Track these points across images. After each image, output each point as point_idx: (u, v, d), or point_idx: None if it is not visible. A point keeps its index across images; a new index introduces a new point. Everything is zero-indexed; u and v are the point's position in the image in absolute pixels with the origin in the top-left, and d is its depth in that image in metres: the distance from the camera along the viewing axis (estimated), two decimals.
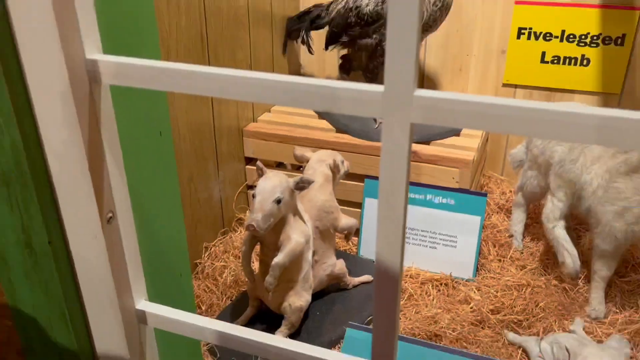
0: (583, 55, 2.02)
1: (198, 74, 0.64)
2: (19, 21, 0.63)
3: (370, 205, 1.91)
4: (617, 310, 1.66)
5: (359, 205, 1.94)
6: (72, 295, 0.86)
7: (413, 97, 0.58)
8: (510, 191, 2.21)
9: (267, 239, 1.48)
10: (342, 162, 1.72)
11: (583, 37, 1.99)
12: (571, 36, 2.01)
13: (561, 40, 2.02)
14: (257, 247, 1.55)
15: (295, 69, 2.46)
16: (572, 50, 2.02)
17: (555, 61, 2.06)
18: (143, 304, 0.90)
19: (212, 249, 1.95)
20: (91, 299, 0.83)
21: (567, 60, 2.04)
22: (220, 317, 1.67)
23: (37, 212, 0.77)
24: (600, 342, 1.52)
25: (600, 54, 1.99)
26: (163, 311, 0.85)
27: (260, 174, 1.45)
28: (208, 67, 0.64)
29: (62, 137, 0.69)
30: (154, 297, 0.96)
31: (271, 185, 1.38)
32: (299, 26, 2.12)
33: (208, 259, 1.91)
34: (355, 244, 1.98)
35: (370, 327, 1.58)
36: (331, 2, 2.00)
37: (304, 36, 2.10)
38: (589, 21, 1.97)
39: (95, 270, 0.80)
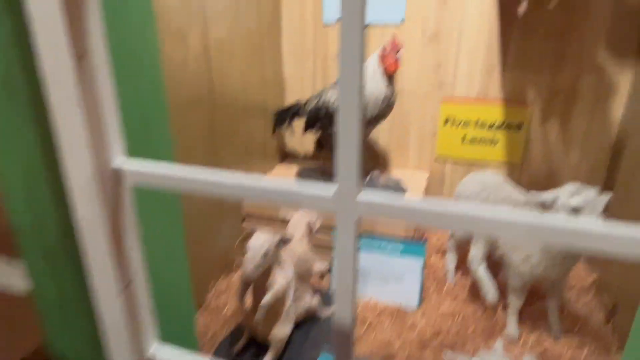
0: (493, 137, 2.09)
1: (199, 181, 0.65)
2: (63, 139, 0.63)
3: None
4: (527, 333, 1.65)
5: (329, 248, 1.92)
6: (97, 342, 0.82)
7: (356, 201, 0.59)
8: (445, 237, 2.22)
9: (257, 282, 1.45)
10: (316, 220, 1.72)
11: (492, 124, 2.07)
12: (483, 123, 2.08)
13: (475, 127, 2.10)
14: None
15: (282, 146, 2.49)
16: (484, 133, 2.09)
17: (473, 142, 2.12)
18: (155, 347, 0.86)
19: (217, 287, 1.90)
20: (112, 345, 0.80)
21: (482, 140, 2.11)
22: (221, 345, 1.61)
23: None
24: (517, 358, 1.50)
25: (505, 135, 2.07)
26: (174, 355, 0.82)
27: (252, 234, 1.44)
28: (207, 172, 0.65)
29: (90, 221, 0.69)
30: (161, 336, 0.93)
31: (260, 243, 1.37)
32: (284, 117, 2.16)
33: (214, 297, 1.86)
34: (329, 280, 1.95)
35: None
36: (307, 100, 2.05)
37: (288, 124, 2.14)
38: (495, 113, 2.05)
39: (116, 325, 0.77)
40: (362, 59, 0.54)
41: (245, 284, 1.45)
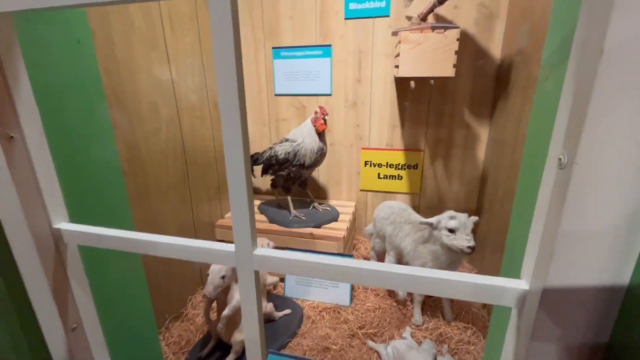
0: (399, 174, 2.10)
1: (140, 242, 0.56)
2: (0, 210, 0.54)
3: None
4: (428, 320, 1.61)
5: None
6: None
7: (253, 255, 0.52)
8: (369, 248, 2.18)
9: (219, 299, 1.34)
10: (268, 243, 1.63)
11: (397, 165, 2.09)
12: (391, 164, 2.10)
13: (387, 167, 2.11)
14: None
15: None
16: (392, 172, 2.11)
17: (385, 177, 2.13)
18: None
19: (193, 300, 1.75)
20: None
21: (391, 177, 2.12)
22: (194, 349, 1.46)
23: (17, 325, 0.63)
24: (420, 343, 1.45)
25: (407, 173, 2.09)
26: None
27: None
28: (130, 234, 0.57)
29: (32, 280, 0.58)
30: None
31: (218, 267, 1.27)
32: None
33: (190, 307, 1.70)
34: (282, 287, 1.85)
35: (283, 352, 1.43)
36: (263, 151, 1.99)
37: (250, 168, 2.06)
38: (399, 157, 2.07)
39: None
40: (244, 148, 0.49)
41: (208, 301, 1.33)
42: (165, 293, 1.57)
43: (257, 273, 0.54)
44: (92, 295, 0.68)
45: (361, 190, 2.21)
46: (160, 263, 1.52)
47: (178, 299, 1.67)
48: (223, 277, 1.25)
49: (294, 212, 1.93)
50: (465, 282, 0.43)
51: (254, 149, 2.27)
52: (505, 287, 0.43)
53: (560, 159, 0.34)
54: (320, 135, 1.80)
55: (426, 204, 2.11)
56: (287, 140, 1.86)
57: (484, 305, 1.68)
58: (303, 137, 1.80)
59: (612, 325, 0.37)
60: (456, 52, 1.37)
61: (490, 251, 1.72)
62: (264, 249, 0.52)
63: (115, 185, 0.80)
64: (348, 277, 0.49)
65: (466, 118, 1.92)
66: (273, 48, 2.05)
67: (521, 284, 0.43)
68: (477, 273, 1.89)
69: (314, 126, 1.78)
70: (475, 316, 1.61)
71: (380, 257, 1.92)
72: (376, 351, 1.43)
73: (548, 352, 0.41)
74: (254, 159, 2.05)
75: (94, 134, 0.74)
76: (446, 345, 1.44)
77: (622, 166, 0.32)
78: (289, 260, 0.50)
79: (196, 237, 1.76)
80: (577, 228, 0.35)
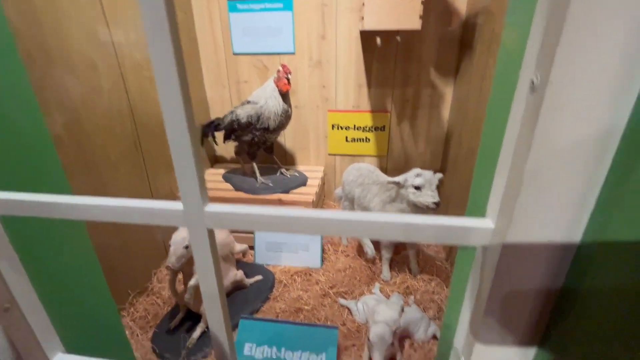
0: (366, 137, 2.08)
1: (71, 206, 0.49)
2: None
3: (259, 233, 1.78)
4: (396, 275, 1.67)
5: (252, 232, 1.79)
6: None
7: (204, 212, 0.46)
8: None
9: (185, 270, 1.28)
10: None
11: (364, 127, 2.06)
12: (359, 127, 2.06)
13: (354, 130, 2.07)
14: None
15: (211, 153, 2.27)
16: (360, 134, 2.08)
17: (353, 140, 2.10)
18: (59, 357, 0.68)
19: (158, 274, 1.68)
20: None
21: (359, 139, 2.09)
22: (162, 322, 1.42)
23: None
24: (388, 297, 1.50)
25: (374, 135, 2.07)
26: None
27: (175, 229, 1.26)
28: (80, 198, 0.49)
29: None
30: (81, 345, 0.74)
31: (181, 237, 1.20)
32: (208, 130, 1.96)
33: (155, 281, 1.64)
34: (252, 255, 1.83)
35: (254, 316, 1.43)
36: (224, 116, 1.87)
37: (211, 135, 1.94)
38: (366, 119, 2.04)
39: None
40: (185, 105, 0.42)
41: (173, 273, 1.27)
42: (126, 268, 1.49)
43: (211, 232, 0.49)
44: (28, 274, 0.60)
45: (329, 154, 2.17)
46: (117, 237, 1.42)
47: (142, 274, 1.60)
48: (187, 247, 1.19)
49: (260, 179, 1.87)
50: (431, 225, 0.41)
51: (215, 114, 2.12)
52: (470, 227, 0.41)
53: (532, 81, 0.31)
54: (284, 96, 1.71)
55: (393, 165, 2.12)
56: (248, 102, 1.75)
57: (447, 258, 1.76)
58: (266, 99, 1.70)
59: (567, 269, 0.37)
60: (422, 3, 1.31)
61: (454, 207, 1.78)
62: (217, 205, 0.46)
63: (43, 154, 0.69)
64: (311, 228, 0.45)
65: (432, 77, 1.90)
66: (228, 0, 1.86)
67: (487, 223, 0.41)
68: None
69: (277, 86, 1.68)
70: (439, 269, 1.69)
71: None
72: (347, 308, 1.47)
73: (509, 292, 0.40)
74: (215, 125, 1.92)
75: (6, 96, 0.62)
76: (412, 297, 1.51)
77: (599, 84, 0.29)
78: (246, 215, 0.45)
79: None
80: (546, 157, 0.32)
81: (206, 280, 0.51)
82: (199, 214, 0.46)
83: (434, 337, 1.31)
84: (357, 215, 0.43)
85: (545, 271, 0.39)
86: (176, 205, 0.47)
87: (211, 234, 0.49)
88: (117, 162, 1.39)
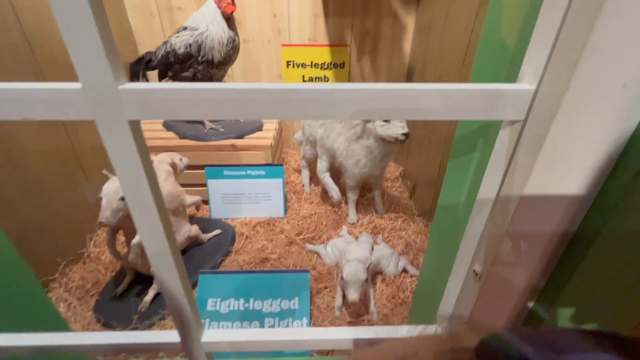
0: (325, 75, 1.90)
1: None
2: None
3: (212, 184, 1.59)
4: (362, 216, 1.63)
5: (204, 184, 1.60)
6: None
7: (118, 91, 0.29)
8: (299, 159, 2.06)
9: (125, 226, 1.08)
10: (180, 159, 1.36)
11: (322, 64, 1.87)
12: (316, 64, 1.87)
13: (311, 67, 1.88)
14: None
15: None
16: (318, 72, 1.89)
17: (310, 80, 1.92)
18: None
19: (96, 239, 1.44)
20: None
21: (316, 79, 1.92)
22: (105, 288, 1.23)
23: None
24: (357, 238, 1.46)
25: (333, 73, 1.90)
26: None
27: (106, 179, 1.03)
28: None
29: None
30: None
31: (114, 186, 0.98)
32: (138, 68, 1.63)
33: (93, 246, 1.41)
34: (208, 210, 1.65)
35: (215, 270, 1.30)
36: (157, 49, 1.55)
37: (142, 75, 1.62)
38: (324, 55, 1.85)
39: None
40: None
41: (111, 231, 1.07)
42: (50, 237, 1.23)
43: (135, 125, 0.32)
44: None
45: None
46: (36, 203, 1.15)
47: (73, 240, 1.35)
48: (123, 198, 0.98)
49: (208, 124, 1.63)
50: (462, 90, 0.29)
51: (144, 49, 1.77)
52: (510, 90, 0.30)
53: None
54: (229, 21, 1.44)
55: None
56: (185, 28, 1.45)
57: (411, 196, 1.76)
58: (207, 24, 1.41)
59: (584, 215, 0.34)
60: None
61: (416, 147, 1.75)
62: (135, 83, 0.29)
63: None
64: (293, 106, 0.30)
65: (393, 5, 1.74)
66: None
67: (525, 87, 0.30)
68: (403, 171, 1.95)
69: (219, 7, 1.39)
70: (405, 206, 1.69)
71: (312, 165, 1.81)
72: (316, 252, 1.40)
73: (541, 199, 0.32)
74: (146, 61, 1.60)
75: None
76: (380, 235, 1.49)
77: None
78: (185, 92, 0.28)
79: (80, 161, 1.38)
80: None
81: (146, 221, 0.36)
82: (111, 95, 0.28)
83: (404, 270, 1.30)
84: (354, 85, 0.30)
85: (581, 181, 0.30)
86: (72, 85, 0.29)
87: (136, 128, 0.31)
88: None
